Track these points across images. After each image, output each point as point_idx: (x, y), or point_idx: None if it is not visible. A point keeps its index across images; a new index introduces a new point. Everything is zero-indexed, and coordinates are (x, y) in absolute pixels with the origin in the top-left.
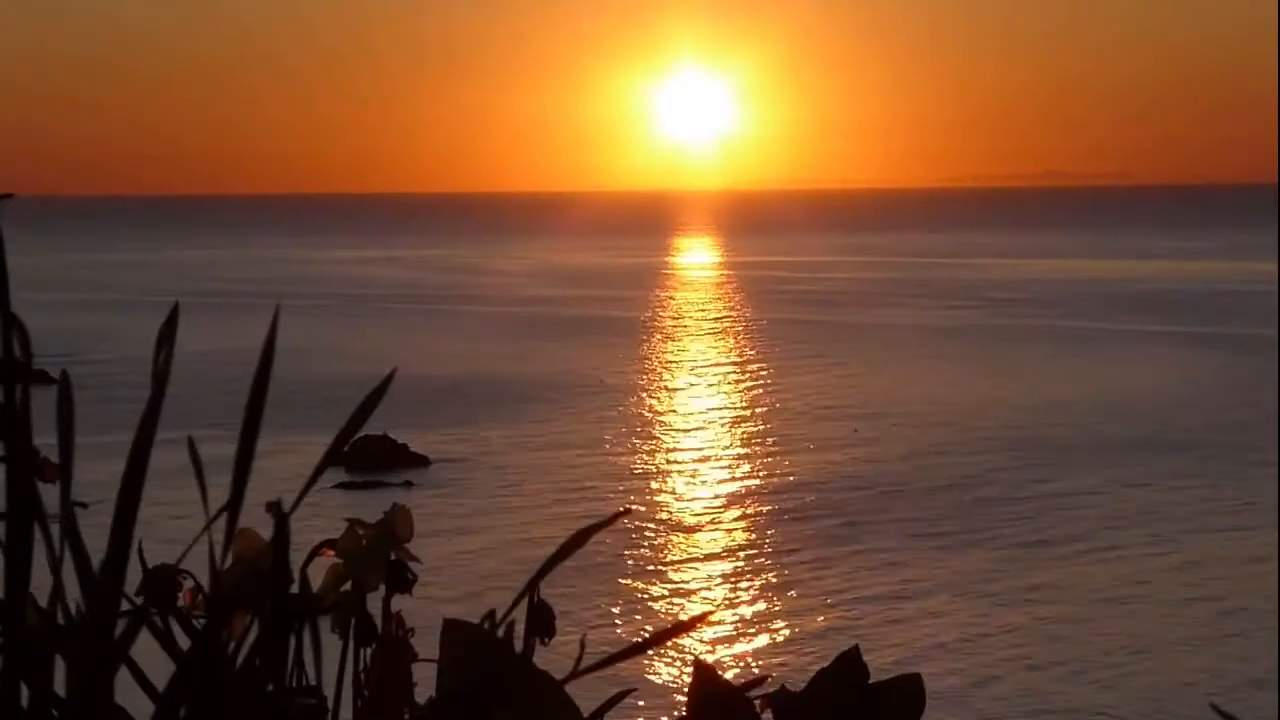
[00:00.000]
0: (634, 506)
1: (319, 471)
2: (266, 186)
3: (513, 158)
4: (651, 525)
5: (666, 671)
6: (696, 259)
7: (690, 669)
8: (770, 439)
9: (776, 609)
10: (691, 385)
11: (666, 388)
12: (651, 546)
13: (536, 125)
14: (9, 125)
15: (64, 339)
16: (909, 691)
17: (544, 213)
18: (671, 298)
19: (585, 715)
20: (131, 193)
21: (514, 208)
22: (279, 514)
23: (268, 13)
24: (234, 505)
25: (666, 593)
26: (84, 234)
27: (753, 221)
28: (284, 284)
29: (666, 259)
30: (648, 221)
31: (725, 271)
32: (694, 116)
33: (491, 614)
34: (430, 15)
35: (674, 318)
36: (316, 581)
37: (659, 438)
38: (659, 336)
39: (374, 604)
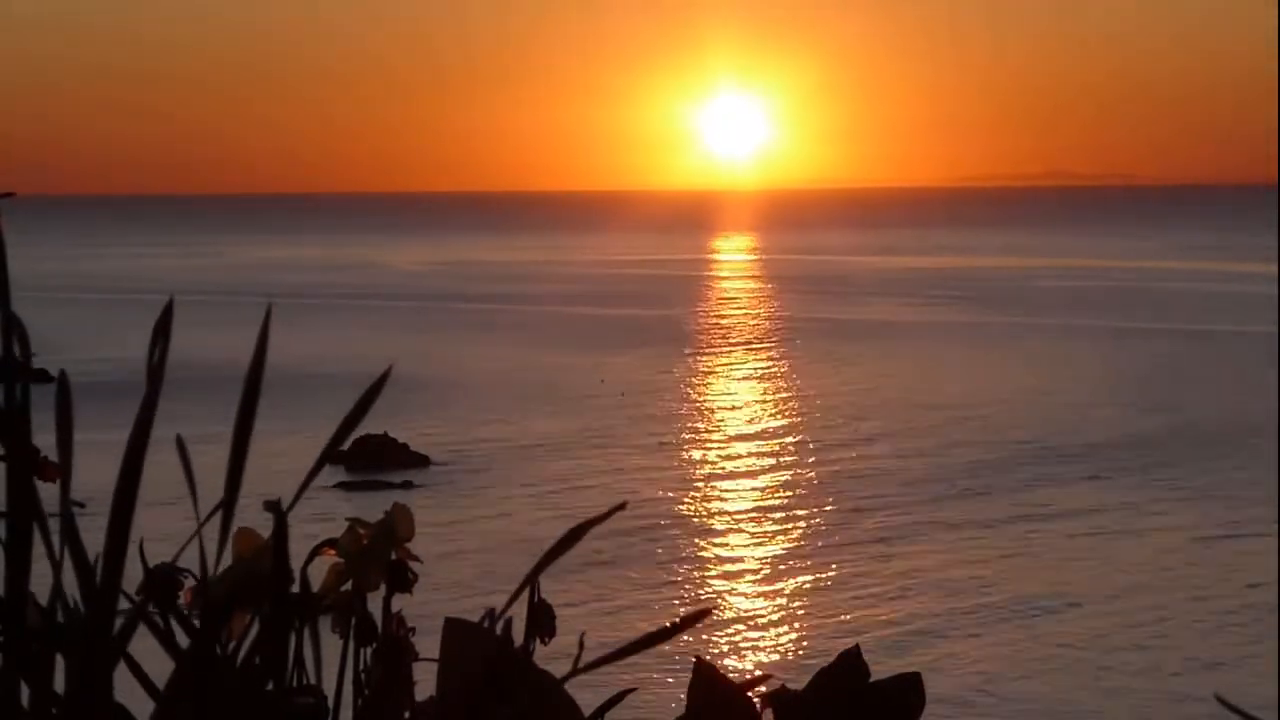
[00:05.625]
0: (631, 503)
1: (317, 469)
2: (355, 185)
3: (568, 161)
4: (650, 524)
5: (667, 670)
6: (713, 256)
7: (691, 667)
8: (770, 437)
9: (777, 606)
10: (691, 385)
11: (666, 388)
12: (650, 544)
13: (594, 135)
14: (37, 126)
15: (64, 337)
16: (909, 690)
17: (591, 210)
18: (675, 297)
19: (585, 715)
20: (154, 192)
21: (563, 204)
22: (278, 513)
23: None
24: (229, 504)
25: (666, 590)
26: (86, 232)
27: (778, 219)
28: (309, 283)
29: (675, 258)
30: (685, 219)
31: (732, 270)
32: (732, 129)
33: (491, 613)
34: (491, 36)
35: (676, 317)
36: (316, 581)
37: (658, 437)
38: (659, 336)
39: (374, 604)
